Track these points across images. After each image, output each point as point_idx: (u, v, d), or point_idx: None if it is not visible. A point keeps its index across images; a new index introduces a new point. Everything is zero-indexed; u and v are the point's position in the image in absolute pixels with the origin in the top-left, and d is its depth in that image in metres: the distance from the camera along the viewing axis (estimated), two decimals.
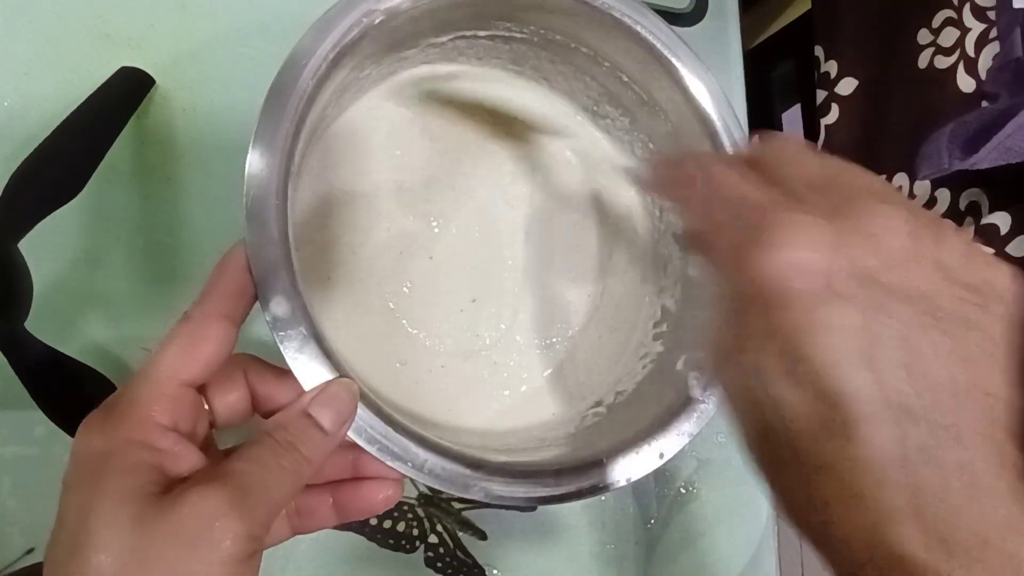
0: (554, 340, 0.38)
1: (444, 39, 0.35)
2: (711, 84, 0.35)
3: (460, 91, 0.38)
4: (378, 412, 0.27)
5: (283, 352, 0.25)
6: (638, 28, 0.34)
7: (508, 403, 0.37)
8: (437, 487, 0.27)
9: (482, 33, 0.35)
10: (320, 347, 0.26)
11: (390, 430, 0.26)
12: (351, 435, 0.26)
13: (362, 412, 0.26)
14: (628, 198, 0.40)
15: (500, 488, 0.28)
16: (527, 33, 0.35)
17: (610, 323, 0.39)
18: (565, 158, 0.40)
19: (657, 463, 0.31)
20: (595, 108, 0.39)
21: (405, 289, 0.36)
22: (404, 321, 0.36)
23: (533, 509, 0.40)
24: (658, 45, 0.34)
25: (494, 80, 0.39)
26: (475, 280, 0.37)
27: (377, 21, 0.29)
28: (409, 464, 0.26)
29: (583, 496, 0.29)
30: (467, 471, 0.28)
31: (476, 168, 0.38)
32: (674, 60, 0.34)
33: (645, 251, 0.40)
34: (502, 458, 0.29)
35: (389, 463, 0.26)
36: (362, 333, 0.35)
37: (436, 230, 0.37)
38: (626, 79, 0.36)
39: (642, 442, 0.31)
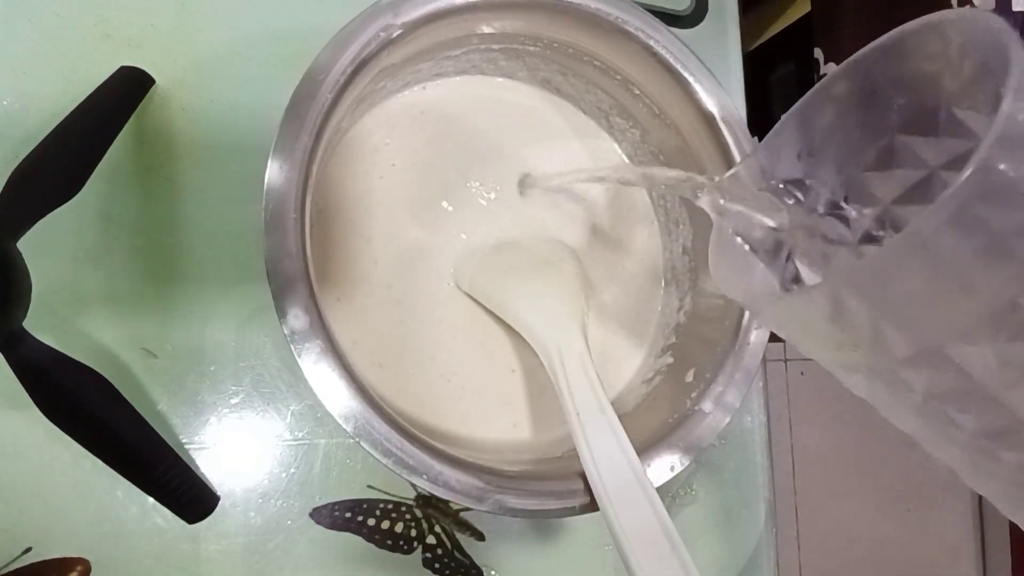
0: None
1: (458, 52, 0.35)
2: (723, 100, 0.35)
3: (473, 102, 0.38)
4: (393, 425, 0.27)
5: (300, 365, 0.25)
6: (651, 42, 0.34)
7: (521, 415, 0.37)
8: (452, 499, 0.27)
9: (496, 46, 0.35)
10: (337, 360, 0.26)
11: (406, 443, 0.27)
12: (366, 447, 0.26)
13: (378, 425, 0.26)
14: (642, 204, 0.40)
15: (514, 500, 0.28)
16: (540, 46, 0.35)
17: (619, 333, 0.39)
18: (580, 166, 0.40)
19: (668, 475, 0.31)
20: (606, 120, 0.40)
21: (417, 301, 0.36)
22: (416, 333, 0.36)
23: None
24: (670, 59, 0.34)
25: (508, 90, 0.39)
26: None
27: (395, 35, 0.29)
28: (424, 476, 0.27)
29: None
30: (481, 483, 0.28)
31: (487, 179, 0.38)
32: (686, 74, 0.34)
33: (655, 261, 0.40)
34: (516, 469, 0.29)
35: (405, 476, 0.26)
36: (376, 345, 0.35)
37: (448, 242, 0.37)
38: (637, 92, 0.36)
39: (653, 454, 0.31)
